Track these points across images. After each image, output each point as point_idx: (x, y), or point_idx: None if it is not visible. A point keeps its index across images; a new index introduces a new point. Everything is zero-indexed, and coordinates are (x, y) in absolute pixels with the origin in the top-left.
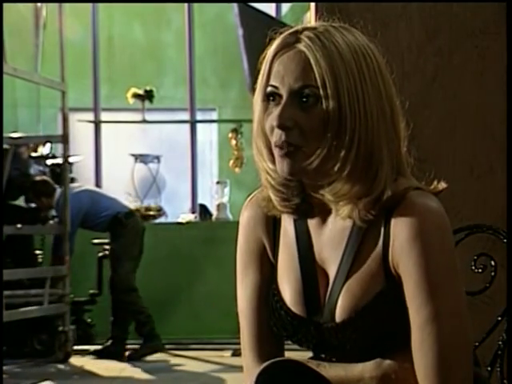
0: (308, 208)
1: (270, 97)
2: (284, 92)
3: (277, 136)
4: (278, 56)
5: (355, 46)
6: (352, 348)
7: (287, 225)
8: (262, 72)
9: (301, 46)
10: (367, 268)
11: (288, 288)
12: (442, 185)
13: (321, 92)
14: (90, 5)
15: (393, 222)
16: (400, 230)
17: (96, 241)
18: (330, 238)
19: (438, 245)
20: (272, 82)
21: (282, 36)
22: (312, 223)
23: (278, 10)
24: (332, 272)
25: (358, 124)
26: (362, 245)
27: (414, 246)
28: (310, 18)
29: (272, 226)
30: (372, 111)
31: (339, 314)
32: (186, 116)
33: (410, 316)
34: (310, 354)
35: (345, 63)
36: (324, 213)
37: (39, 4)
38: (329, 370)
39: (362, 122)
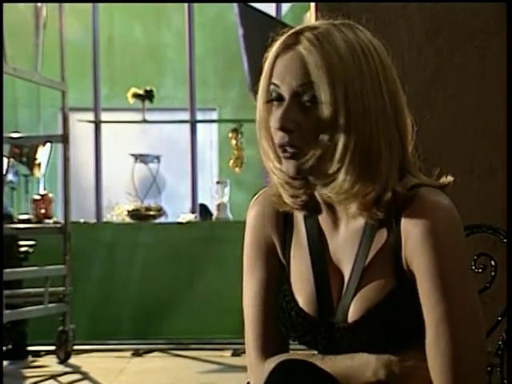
0: (317, 205)
1: (273, 97)
2: (285, 93)
3: (279, 137)
4: (279, 57)
5: (355, 44)
6: (363, 348)
7: (299, 225)
8: (263, 73)
9: (300, 48)
10: (380, 267)
11: (301, 289)
12: (449, 178)
13: (317, 93)
14: (90, 5)
15: (404, 220)
16: (412, 228)
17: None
18: (344, 238)
19: (451, 242)
20: (274, 81)
21: (283, 37)
22: (325, 224)
23: (278, 9)
24: (347, 272)
25: (355, 123)
26: (374, 244)
27: (427, 243)
28: (310, 17)
29: (282, 224)
30: (370, 109)
31: (352, 314)
32: (186, 116)
33: (425, 313)
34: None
35: (343, 63)
36: (336, 213)
37: (39, 4)
38: (334, 361)
39: (359, 121)
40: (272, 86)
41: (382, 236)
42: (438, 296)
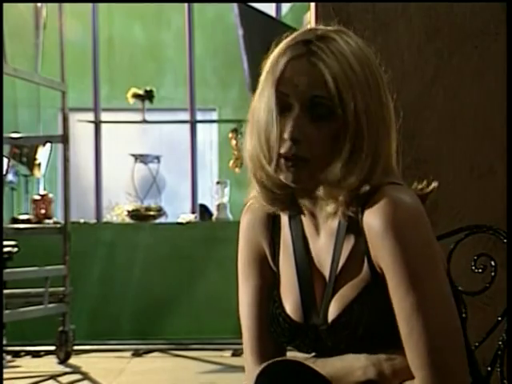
0: (299, 210)
1: (280, 106)
2: (296, 102)
3: (286, 147)
4: (289, 65)
5: (362, 56)
6: (347, 347)
7: (285, 231)
8: (268, 80)
9: (314, 59)
10: (354, 266)
11: (287, 295)
12: (433, 185)
13: (334, 104)
14: (89, 5)
15: (365, 216)
16: (372, 223)
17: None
18: (324, 242)
19: (411, 234)
20: (283, 90)
21: (289, 44)
22: (308, 229)
23: (278, 10)
24: (327, 275)
25: (366, 135)
26: (346, 244)
27: (386, 237)
28: (310, 18)
29: (271, 231)
30: (375, 121)
31: (330, 315)
32: (186, 116)
33: (395, 308)
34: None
35: (356, 76)
36: (316, 218)
37: (39, 4)
38: (326, 363)
39: (368, 133)
40: (279, 94)
41: (352, 235)
42: (404, 289)
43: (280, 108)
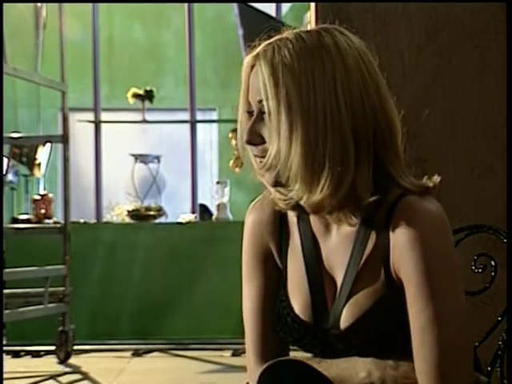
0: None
1: (248, 111)
2: (254, 108)
3: (250, 150)
4: (248, 71)
5: (311, 49)
6: (358, 353)
7: (294, 229)
8: (242, 87)
9: (258, 64)
10: (370, 274)
11: (296, 294)
12: (436, 179)
13: (264, 104)
14: (89, 5)
15: (392, 226)
16: (399, 234)
17: None
18: (336, 244)
19: (438, 247)
20: (248, 98)
21: (255, 50)
22: (317, 228)
23: (278, 10)
24: (339, 278)
25: (304, 133)
26: (365, 251)
27: (413, 249)
28: (310, 17)
29: (278, 230)
30: (318, 116)
31: (343, 322)
32: (186, 116)
33: (410, 320)
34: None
35: (290, 72)
36: (326, 218)
37: (39, 4)
38: (330, 364)
39: (307, 132)
40: (248, 103)
41: (372, 244)
42: (423, 302)
43: (250, 114)
